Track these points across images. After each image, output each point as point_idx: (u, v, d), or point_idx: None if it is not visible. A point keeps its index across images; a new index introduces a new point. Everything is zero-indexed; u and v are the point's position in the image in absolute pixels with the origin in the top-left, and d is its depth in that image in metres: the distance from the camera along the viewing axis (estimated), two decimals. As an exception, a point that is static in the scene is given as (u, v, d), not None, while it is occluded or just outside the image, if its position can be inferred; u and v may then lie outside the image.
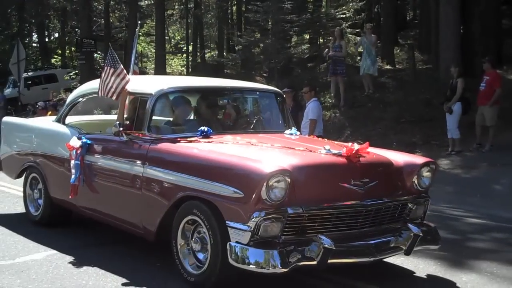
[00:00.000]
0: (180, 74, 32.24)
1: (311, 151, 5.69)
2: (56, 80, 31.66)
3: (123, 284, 5.66)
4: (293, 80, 19.53)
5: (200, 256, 5.50)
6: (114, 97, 6.69)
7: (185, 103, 6.69)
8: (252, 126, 6.92)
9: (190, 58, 32.39)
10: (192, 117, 6.75)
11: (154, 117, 6.31)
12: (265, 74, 24.75)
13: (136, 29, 9.75)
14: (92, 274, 5.90)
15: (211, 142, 5.92)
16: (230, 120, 6.96)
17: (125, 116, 6.57)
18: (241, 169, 5.20)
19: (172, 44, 39.90)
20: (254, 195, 4.97)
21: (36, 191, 7.84)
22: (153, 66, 31.09)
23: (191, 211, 5.51)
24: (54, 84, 30.93)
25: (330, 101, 17.69)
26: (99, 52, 31.65)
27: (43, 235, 7.32)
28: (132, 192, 6.12)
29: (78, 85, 28.65)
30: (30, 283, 5.66)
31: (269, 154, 5.51)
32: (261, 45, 22.49)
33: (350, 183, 5.36)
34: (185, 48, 35.44)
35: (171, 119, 6.62)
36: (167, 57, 31.71)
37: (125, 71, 6.61)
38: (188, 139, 6.01)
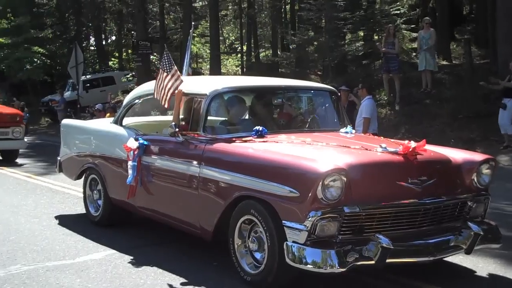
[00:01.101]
0: (235, 74, 32.44)
1: (367, 149, 5.62)
2: (114, 82, 32.24)
3: (181, 283, 5.71)
4: (347, 77, 19.38)
5: (257, 255, 5.51)
6: (166, 105, 6.80)
7: (239, 103, 6.70)
8: (307, 125, 6.89)
9: (245, 58, 32.52)
10: (246, 117, 6.75)
11: (209, 117, 6.36)
12: (319, 72, 24.64)
13: (191, 30, 9.83)
14: (150, 274, 5.97)
15: (266, 141, 5.91)
16: (285, 119, 6.94)
17: (180, 116, 6.62)
18: (296, 169, 5.18)
19: (226, 45, 40.15)
20: (310, 195, 4.95)
21: (95, 192, 7.98)
22: (208, 66, 31.36)
23: (247, 211, 5.52)
24: (111, 86, 31.52)
25: (385, 98, 17.46)
26: (155, 54, 32.10)
27: (102, 235, 7.43)
28: (189, 192, 6.16)
29: (135, 86, 29.19)
30: (90, 282, 5.75)
31: (324, 153, 5.47)
32: (315, 43, 22.39)
33: (407, 181, 5.28)
34: (239, 48, 35.61)
35: (226, 119, 6.64)
36: (222, 57, 31.93)
37: (178, 73, 6.66)
38: (243, 139, 6.03)
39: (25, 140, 14.83)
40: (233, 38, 42.43)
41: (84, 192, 8.22)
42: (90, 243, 7.14)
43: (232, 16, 38.62)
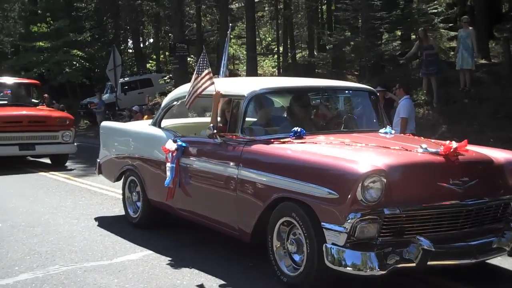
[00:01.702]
0: (271, 75, 32.38)
1: (407, 150, 5.55)
2: (151, 84, 32.48)
3: (216, 284, 5.74)
4: (384, 78, 19.18)
5: (296, 258, 5.49)
6: (187, 106, 6.85)
7: (277, 104, 6.69)
8: (345, 126, 6.83)
9: (281, 59, 32.46)
10: (284, 118, 6.72)
11: (247, 119, 6.35)
12: (356, 73, 24.45)
13: (228, 31, 9.83)
14: (187, 274, 6.01)
15: (304, 142, 5.88)
16: (323, 120, 6.89)
17: (218, 118, 6.63)
18: (335, 170, 5.14)
19: (263, 46, 40.12)
20: (349, 196, 4.91)
21: (134, 193, 8.03)
22: (244, 68, 31.38)
23: (286, 213, 5.50)
24: (149, 88, 31.75)
25: (423, 98, 17.25)
26: (191, 56, 32.26)
27: (140, 236, 7.52)
28: (227, 194, 6.17)
29: (172, 89, 29.39)
30: (127, 283, 5.81)
31: (363, 154, 5.41)
32: (352, 43, 22.23)
33: (449, 182, 5.21)
34: (275, 49, 35.55)
35: (263, 120, 6.60)
36: (258, 58, 31.89)
37: (210, 75, 6.66)
38: (281, 140, 6.00)
39: (75, 144, 14.73)
40: (270, 39, 42.35)
41: (123, 194, 8.29)
42: (127, 244, 7.22)
43: (269, 17, 38.58)
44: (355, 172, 4.97)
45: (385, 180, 4.97)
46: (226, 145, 6.28)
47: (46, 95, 18.72)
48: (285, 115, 6.74)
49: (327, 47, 27.22)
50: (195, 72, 6.74)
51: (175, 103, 7.78)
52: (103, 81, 33.21)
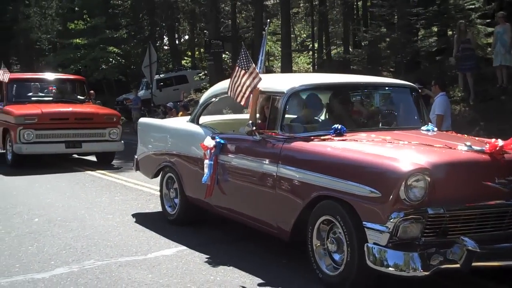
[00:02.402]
0: (306, 71, 32.23)
1: (450, 148, 5.42)
2: (187, 81, 32.59)
3: (250, 280, 5.72)
4: (420, 74, 18.93)
5: (336, 257, 5.40)
6: (242, 102, 6.72)
7: (317, 101, 6.59)
8: (386, 123, 6.70)
9: (316, 55, 32.29)
10: (324, 115, 6.62)
11: (286, 115, 6.25)
12: (391, 69, 24.20)
13: (266, 27, 9.77)
14: (220, 270, 6.02)
15: (345, 140, 5.76)
16: (363, 117, 6.77)
17: (257, 115, 6.56)
18: (377, 168, 5.04)
19: (298, 42, 39.98)
20: (392, 195, 4.81)
21: (172, 190, 7.99)
22: (279, 64, 31.30)
23: (326, 211, 5.43)
24: (184, 85, 31.88)
25: (459, 95, 16.98)
26: (227, 52, 32.31)
27: (174, 232, 7.53)
28: (266, 192, 6.10)
29: (208, 85, 29.54)
30: (161, 278, 5.84)
31: (406, 152, 5.29)
32: (387, 39, 22.00)
33: (494, 181, 5.08)
34: (311, 45, 35.40)
35: (303, 117, 6.51)
36: (293, 55, 31.80)
37: (256, 71, 6.59)
38: (322, 137, 5.90)
39: (122, 142, 14.21)
40: (305, 35, 42.21)
41: (161, 191, 8.26)
42: (161, 239, 7.24)
43: (304, 13, 38.41)
44: (398, 170, 4.87)
45: (429, 179, 4.86)
46: (265, 142, 6.21)
47: (92, 91, 18.17)
48: (325, 112, 6.63)
49: (363, 44, 27.02)
50: (238, 68, 6.62)
51: (213, 99, 7.73)
52: (139, 78, 33.43)
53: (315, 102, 6.56)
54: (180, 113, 19.34)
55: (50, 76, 16.82)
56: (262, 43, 9.21)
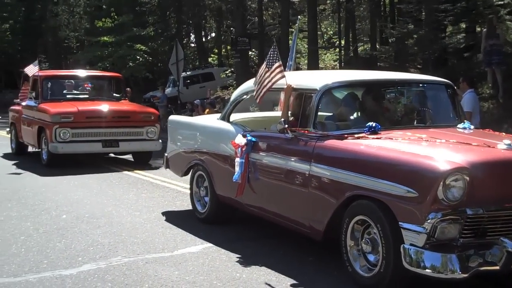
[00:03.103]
0: (332, 68, 32.04)
1: (489, 146, 5.27)
2: (213, 78, 32.64)
3: (276, 278, 5.69)
4: (448, 71, 18.68)
5: (371, 258, 5.29)
6: (257, 101, 6.69)
7: (351, 98, 6.46)
8: (421, 121, 6.56)
9: (343, 52, 32.07)
10: (357, 112, 6.48)
11: (319, 113, 6.14)
12: (419, 66, 23.95)
13: (296, 24, 9.66)
14: (246, 267, 6.02)
15: (380, 138, 5.63)
16: (398, 114, 6.63)
17: (289, 112, 6.46)
18: (414, 167, 4.91)
19: (324, 39, 39.74)
20: (429, 195, 4.70)
21: (202, 188, 7.91)
22: (306, 61, 31.15)
23: (360, 211, 5.32)
24: (211, 82, 31.92)
25: (488, 91, 16.71)
26: (253, 49, 32.23)
27: (200, 229, 7.53)
28: (298, 191, 6.00)
29: (234, 82, 29.55)
30: (187, 275, 5.84)
31: (444, 151, 5.15)
32: (415, 36, 21.77)
33: (535, 181, 4.90)
34: (337, 42, 35.16)
35: (336, 114, 6.39)
36: (319, 52, 31.60)
37: (281, 68, 6.48)
38: (356, 135, 5.78)
39: (160, 141, 13.46)
40: (331, 32, 41.94)
41: (191, 189, 8.19)
42: (188, 236, 7.25)
43: (330, 10, 38.14)
44: (436, 169, 4.75)
45: (467, 178, 4.74)
46: (298, 140, 6.10)
47: (128, 88, 17.31)
48: (359, 110, 6.49)
49: (390, 40, 26.82)
50: (264, 65, 6.56)
51: (244, 97, 7.62)
52: (166, 75, 33.53)
53: (348, 99, 6.44)
54: (207, 110, 19.32)
55: (85, 73, 16.41)
56: (293, 39, 9.10)
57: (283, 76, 6.40)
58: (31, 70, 14.55)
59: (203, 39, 41.49)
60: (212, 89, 29.69)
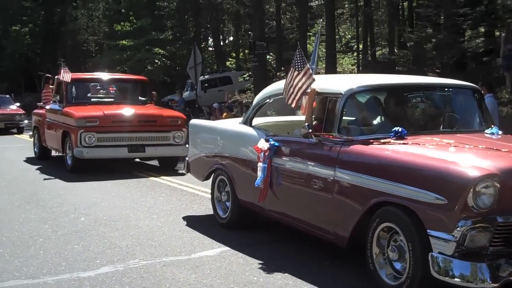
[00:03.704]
0: (350, 72, 31.89)
1: (519, 152, 5.13)
2: (231, 82, 32.64)
3: (293, 282, 5.66)
4: (466, 75, 18.49)
5: (397, 266, 5.18)
6: (293, 105, 6.57)
7: (376, 102, 6.33)
8: (448, 126, 6.42)
9: (361, 56, 31.92)
10: (382, 117, 6.36)
11: (343, 117, 6.04)
12: (437, 70, 23.76)
13: (319, 28, 9.56)
14: (263, 271, 6.00)
15: (406, 143, 5.52)
16: (424, 119, 6.51)
17: (313, 117, 6.36)
18: (443, 174, 4.79)
19: (342, 43, 39.61)
20: (459, 202, 4.58)
21: (224, 193, 7.82)
22: (323, 65, 31.04)
23: (387, 218, 5.21)
24: (229, 86, 31.94)
25: (507, 96, 16.51)
26: (271, 53, 32.17)
27: (217, 232, 7.52)
28: (322, 196, 5.90)
29: (252, 86, 29.50)
30: (205, 278, 5.84)
31: (473, 157, 5.03)
32: (433, 40, 21.62)
33: None
34: (355, 46, 35.03)
35: (361, 119, 6.28)
36: (337, 56, 31.48)
37: (310, 71, 6.40)
38: (381, 140, 5.66)
39: (187, 146, 12.98)
40: (349, 36, 41.82)
41: (212, 193, 8.09)
42: (205, 239, 7.25)
43: (348, 14, 38.03)
44: (465, 176, 4.63)
45: (498, 185, 4.62)
46: (322, 145, 6.00)
47: (154, 92, 16.73)
48: (384, 114, 6.37)
49: (408, 44, 26.62)
50: (292, 69, 6.46)
51: (267, 100, 7.52)
52: (184, 79, 33.58)
53: (373, 103, 6.31)
54: (225, 114, 19.27)
55: (111, 76, 16.05)
56: (315, 43, 9.00)
57: (314, 80, 6.30)
58: (65, 75, 13.92)
59: (221, 43, 41.49)
60: (230, 93, 29.67)
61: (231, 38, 43.58)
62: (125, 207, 9.24)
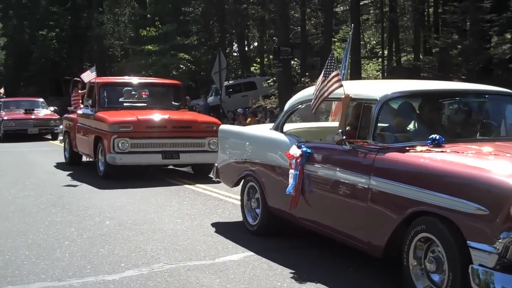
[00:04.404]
0: (375, 78, 31.69)
1: (561, 160, 4.95)
2: (255, 87, 32.58)
3: None
4: (493, 82, 18.20)
5: (435, 277, 5.01)
6: (313, 111, 6.50)
7: (410, 109, 6.18)
8: (486, 133, 6.25)
9: (386, 62, 31.69)
10: (418, 124, 6.20)
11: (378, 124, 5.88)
12: (463, 77, 23.49)
13: (350, 33, 9.44)
14: (287, 276, 5.97)
15: (444, 151, 5.34)
16: (461, 126, 6.33)
17: (346, 123, 6.23)
18: (485, 183, 4.62)
19: (367, 49, 39.36)
20: (501, 213, 4.42)
21: (253, 200, 7.70)
22: (348, 71, 30.84)
23: (424, 228, 5.04)
24: (253, 91, 31.88)
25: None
26: (295, 59, 32.06)
27: (241, 237, 7.50)
28: (356, 205, 5.75)
29: (276, 92, 29.41)
30: (229, 283, 5.83)
31: (515, 166, 4.85)
32: (459, 46, 21.40)
33: None
34: (380, 52, 34.80)
35: (395, 126, 6.11)
36: (362, 62, 31.29)
37: (339, 77, 6.27)
38: (418, 148, 5.50)
39: None
40: (374, 42, 41.56)
41: (242, 200, 7.97)
42: (229, 244, 7.24)
43: (373, 20, 37.80)
44: (508, 186, 4.46)
45: (542, 196, 4.42)
46: (356, 152, 5.85)
47: (187, 97, 16.11)
48: (419, 121, 6.20)
49: (433, 51, 26.41)
50: (321, 75, 6.36)
51: (299, 106, 7.38)
52: (208, 84, 33.60)
53: (408, 110, 6.16)
54: (249, 119, 19.26)
55: (144, 80, 15.73)
56: (346, 48, 8.87)
57: (341, 85, 6.18)
58: (88, 76, 14.01)
59: (246, 48, 41.49)
60: (254, 98, 29.64)
61: (256, 44, 43.55)
62: (150, 211, 9.25)
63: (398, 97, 6.08)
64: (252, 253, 6.78)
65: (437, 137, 5.50)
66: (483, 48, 19.44)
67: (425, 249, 5.10)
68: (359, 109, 6.09)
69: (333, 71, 6.24)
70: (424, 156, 5.33)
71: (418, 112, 6.23)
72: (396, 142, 5.73)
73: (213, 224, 8.29)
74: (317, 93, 6.37)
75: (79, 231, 7.89)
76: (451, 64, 23.53)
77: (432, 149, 5.43)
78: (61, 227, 8.13)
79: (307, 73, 30.53)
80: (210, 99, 30.39)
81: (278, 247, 7.05)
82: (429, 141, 5.51)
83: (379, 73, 32.84)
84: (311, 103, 6.51)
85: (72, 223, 8.40)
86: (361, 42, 33.74)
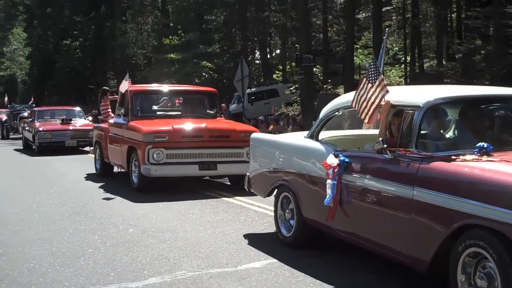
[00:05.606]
0: (398, 85, 31.41)
1: None
2: (277, 94, 32.44)
3: None
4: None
5: (489, 294, 4.71)
6: (366, 120, 6.18)
7: (454, 116, 5.89)
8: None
9: (408, 68, 31.41)
10: (463, 131, 5.89)
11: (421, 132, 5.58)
12: (486, 82, 23.17)
13: (384, 38, 9.18)
14: (309, 284, 5.93)
15: (494, 160, 5.04)
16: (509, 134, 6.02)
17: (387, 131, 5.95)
18: None
19: (390, 55, 39.05)
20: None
21: (287, 211, 7.44)
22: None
23: (474, 242, 4.75)
24: (275, 98, 31.78)
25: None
26: (318, 66, 31.88)
27: (264, 244, 7.48)
28: (399, 217, 5.46)
29: (298, 99, 29.21)
30: None
31: None
32: (482, 52, 21.10)
33: None
34: (403, 58, 34.51)
35: (438, 133, 5.81)
36: (385, 68, 31.03)
37: (385, 82, 6.01)
38: (465, 157, 5.19)
39: None
40: (397, 48, 41.24)
41: (275, 211, 7.68)
42: (251, 251, 7.23)
43: (396, 26, 37.52)
44: None
45: None
46: (398, 161, 5.56)
47: (223, 104, 15.46)
48: (464, 128, 5.89)
49: (456, 56, 26.15)
50: (365, 80, 6.09)
51: (336, 113, 7.08)
52: (231, 92, 33.53)
53: (452, 117, 5.86)
54: (271, 126, 19.05)
55: (178, 88, 15.22)
56: (380, 53, 8.60)
57: (388, 91, 5.91)
58: (124, 86, 13.39)
59: (268, 56, 41.39)
60: (277, 105, 29.54)
61: (278, 51, 43.50)
62: (172, 218, 9.22)
63: (441, 103, 5.76)
64: (274, 260, 6.75)
65: (485, 145, 5.19)
66: (506, 53, 19.14)
67: (474, 265, 4.81)
68: (400, 116, 5.80)
69: (377, 77, 5.96)
70: (473, 165, 5.02)
71: (461, 118, 5.92)
72: (440, 151, 5.43)
73: (236, 232, 8.25)
74: (367, 100, 6.07)
75: (102, 239, 7.91)
76: (475, 70, 23.25)
77: (480, 158, 5.13)
78: (85, 235, 8.15)
79: (329, 80, 30.33)
80: (233, 106, 30.30)
81: (300, 254, 6.97)
82: (477, 150, 5.20)
83: (401, 79, 32.59)
84: (360, 110, 6.19)
85: (96, 231, 8.42)
86: (384, 49, 33.49)
